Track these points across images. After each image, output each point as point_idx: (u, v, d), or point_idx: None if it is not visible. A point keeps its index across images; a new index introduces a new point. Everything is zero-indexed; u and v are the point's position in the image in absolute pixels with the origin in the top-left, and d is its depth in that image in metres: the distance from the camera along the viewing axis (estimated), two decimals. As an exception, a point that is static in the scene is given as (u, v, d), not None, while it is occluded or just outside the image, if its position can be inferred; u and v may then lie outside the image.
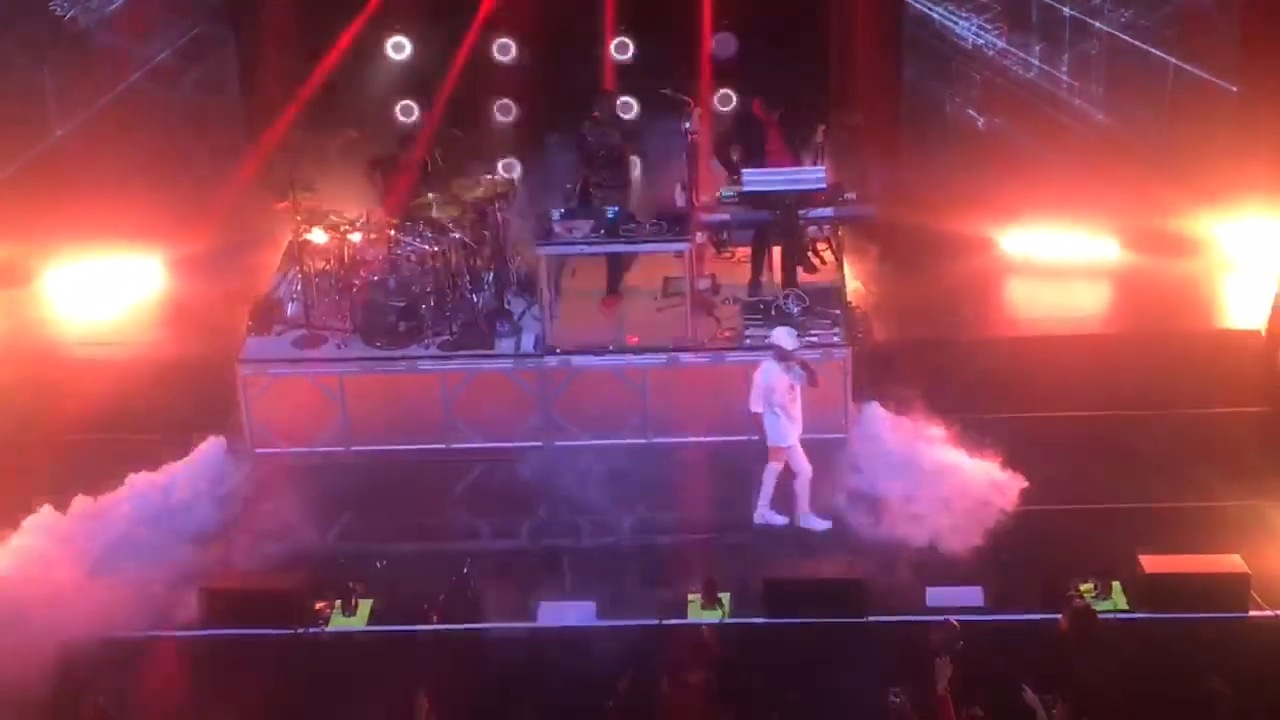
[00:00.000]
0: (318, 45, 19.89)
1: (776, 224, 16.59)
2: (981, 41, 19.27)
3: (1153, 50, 18.86)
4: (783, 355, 14.82)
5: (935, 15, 19.40)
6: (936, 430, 15.65)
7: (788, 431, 14.95)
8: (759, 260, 17.28)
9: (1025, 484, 15.03)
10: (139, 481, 15.54)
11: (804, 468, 15.10)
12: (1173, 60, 18.84)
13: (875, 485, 15.29)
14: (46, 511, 14.98)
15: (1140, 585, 13.97)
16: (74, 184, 19.22)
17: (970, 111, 19.60)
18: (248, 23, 19.91)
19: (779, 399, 14.84)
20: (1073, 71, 19.21)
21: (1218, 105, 18.81)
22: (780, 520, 15.22)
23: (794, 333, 15.07)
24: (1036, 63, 19.21)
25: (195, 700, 13.14)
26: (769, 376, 14.84)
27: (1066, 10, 18.97)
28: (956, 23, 19.34)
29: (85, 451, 16.14)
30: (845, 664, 13.36)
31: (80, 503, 15.11)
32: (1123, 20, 18.89)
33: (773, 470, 15.12)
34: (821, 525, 15.12)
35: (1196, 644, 13.37)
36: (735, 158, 17.00)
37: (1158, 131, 19.08)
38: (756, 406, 14.88)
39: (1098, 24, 18.93)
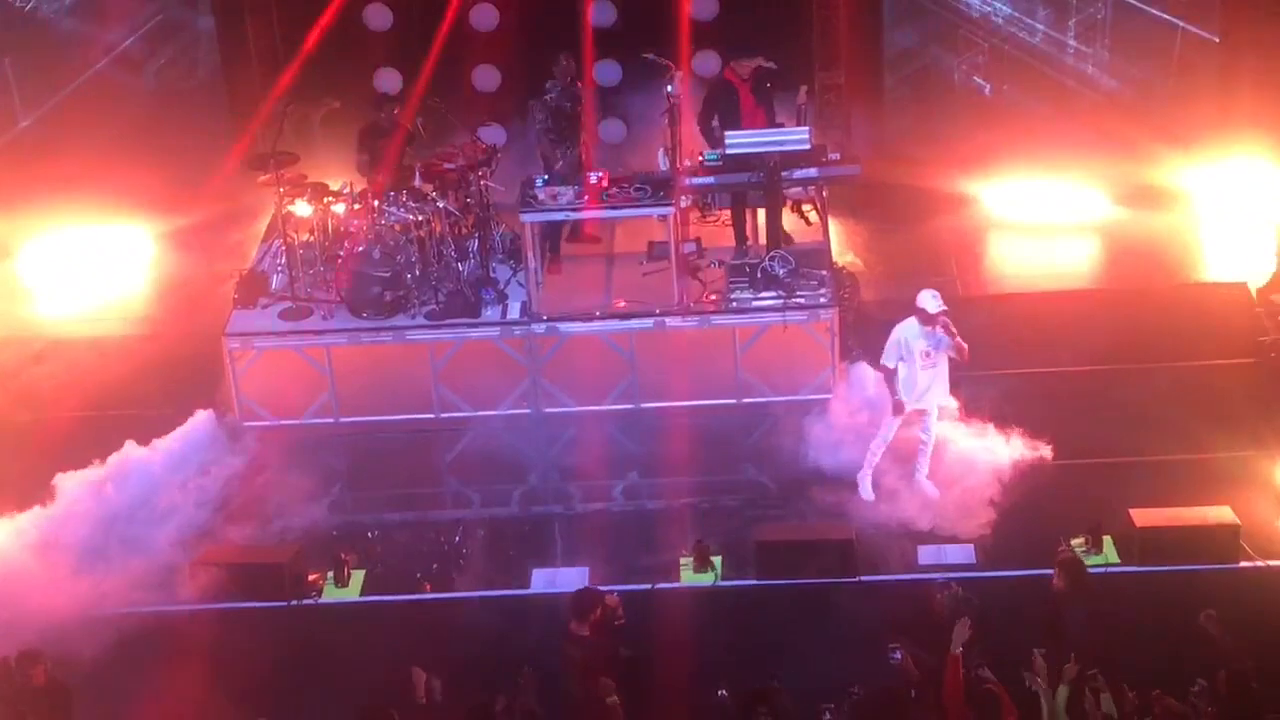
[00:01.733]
0: (298, 15, 19.84)
1: (760, 186, 16.57)
2: (989, 9, 19.18)
3: (1157, 12, 18.88)
4: (926, 319, 14.41)
5: None
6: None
7: (909, 389, 14.63)
8: (740, 223, 17.24)
9: (1017, 445, 15.06)
10: (127, 457, 15.49)
11: (932, 434, 14.86)
12: (1181, 23, 18.81)
13: (864, 447, 15.27)
14: (38, 491, 14.93)
15: (1131, 539, 14.00)
16: (55, 158, 19.16)
17: (977, 79, 19.51)
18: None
19: (910, 358, 14.54)
20: (1080, 37, 19.12)
21: (1213, 60, 18.82)
22: (870, 495, 14.91)
23: (936, 295, 14.47)
24: (1042, 28, 19.11)
25: (189, 672, 13.13)
26: (904, 332, 14.49)
27: None
28: None
29: (72, 428, 16.12)
30: (840, 623, 13.41)
31: (68, 480, 15.06)
32: None
33: (888, 429, 14.82)
34: (933, 492, 14.87)
35: (1188, 596, 13.41)
36: (715, 125, 16.90)
37: (1164, 93, 19.06)
38: (888, 360, 14.58)
39: None
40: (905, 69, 19.80)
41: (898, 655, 11.57)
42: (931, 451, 14.91)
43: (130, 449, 15.56)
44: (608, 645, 12.06)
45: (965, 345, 14.45)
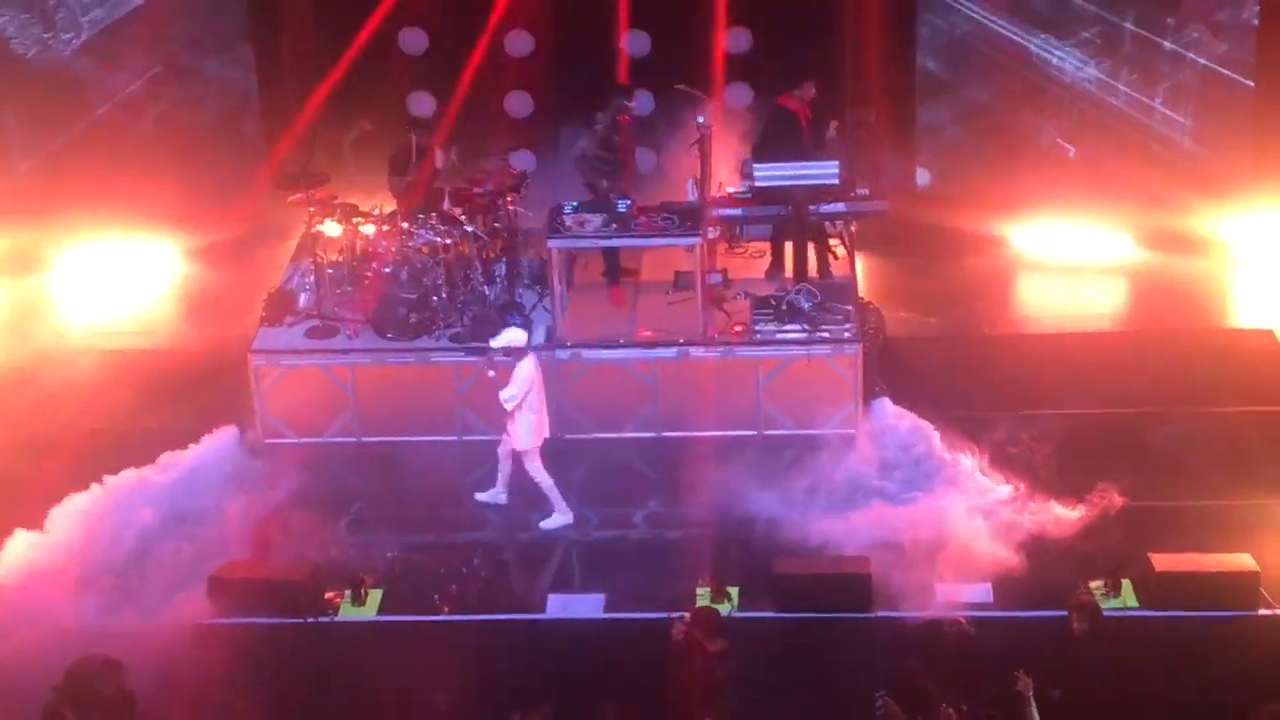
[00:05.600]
0: (334, 36, 19.97)
1: (788, 219, 16.62)
2: (1081, 74, 19.19)
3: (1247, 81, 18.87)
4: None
5: (1032, 45, 19.34)
6: (943, 430, 15.70)
7: (542, 429, 15.13)
8: (779, 253, 17.29)
9: (1027, 495, 15.00)
10: (151, 471, 15.57)
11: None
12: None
13: (884, 483, 15.30)
14: (60, 504, 14.97)
15: (1150, 583, 13.94)
16: (92, 170, 19.30)
17: (1060, 141, 19.52)
18: (265, 18, 19.95)
19: (535, 397, 14.99)
20: (1168, 102, 19.08)
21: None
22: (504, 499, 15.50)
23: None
24: (1126, 89, 19.07)
25: (206, 688, 13.13)
26: (529, 371, 14.92)
27: (1167, 43, 18.85)
28: (1052, 53, 19.26)
29: (98, 441, 16.16)
30: (853, 658, 13.36)
31: (92, 492, 15.12)
32: (1220, 52, 18.77)
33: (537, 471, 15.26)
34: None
35: (1206, 641, 13.37)
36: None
37: (1240, 154, 19.05)
38: (513, 402, 14.90)
39: (1192, 55, 18.78)
40: (978, 123, 19.79)
41: (882, 704, 11.54)
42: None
43: (153, 463, 15.64)
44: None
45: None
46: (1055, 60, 19.28)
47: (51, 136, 19.73)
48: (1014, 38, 19.33)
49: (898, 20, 19.54)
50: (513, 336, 14.97)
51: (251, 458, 16.14)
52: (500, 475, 15.52)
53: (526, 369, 14.94)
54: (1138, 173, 19.16)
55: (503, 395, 14.92)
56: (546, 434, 15.24)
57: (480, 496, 15.59)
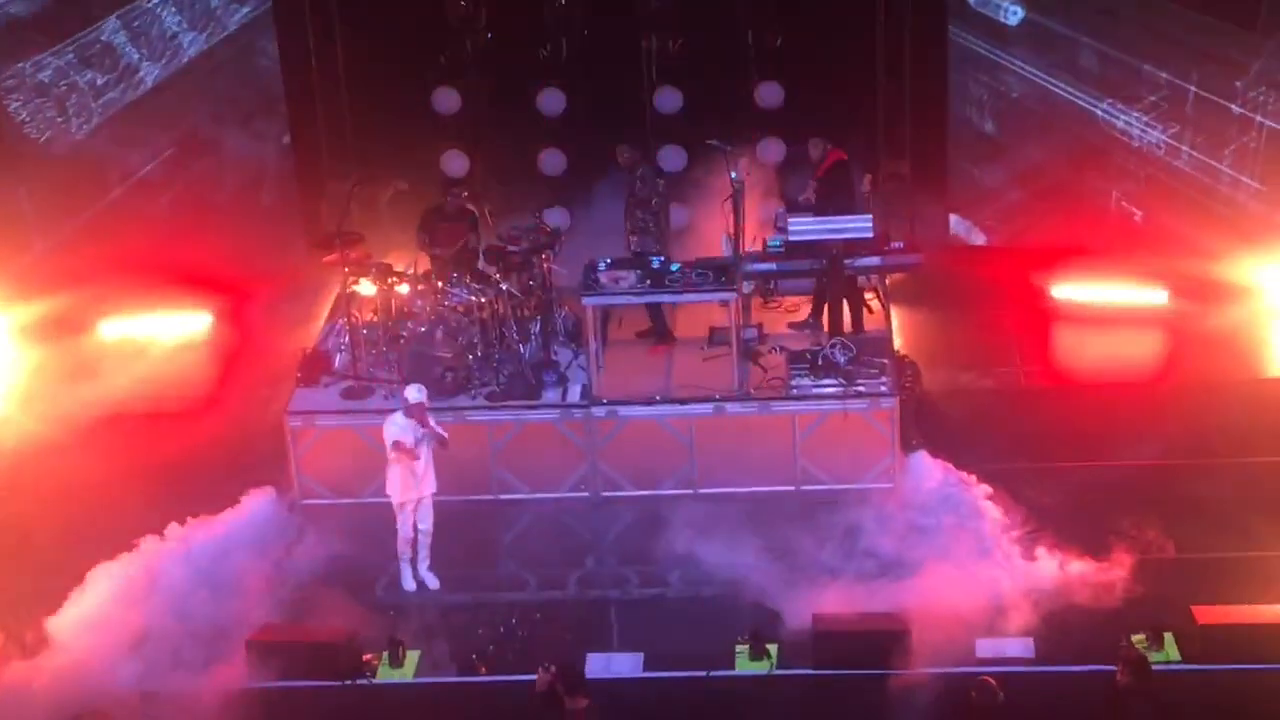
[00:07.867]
0: (366, 97, 20.10)
1: (823, 272, 16.61)
2: (1149, 139, 19.09)
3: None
4: (409, 411, 14.80)
5: (1099, 111, 19.29)
6: (982, 485, 15.67)
7: (408, 485, 15.01)
8: (819, 306, 17.26)
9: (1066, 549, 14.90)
10: (187, 533, 15.60)
11: (428, 524, 15.22)
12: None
13: (923, 537, 15.19)
14: (96, 570, 15.01)
15: (1192, 636, 13.81)
16: (127, 234, 19.39)
17: (1125, 204, 19.46)
18: (298, 78, 20.08)
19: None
20: (1234, 165, 18.85)
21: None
22: (411, 585, 15.34)
23: (421, 389, 14.92)
24: (1191, 152, 18.91)
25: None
26: (395, 430, 14.87)
27: (1235, 107, 18.55)
28: (1117, 117, 19.21)
29: (135, 503, 16.16)
30: (890, 714, 13.28)
31: (128, 556, 15.15)
32: None
33: (401, 523, 15.18)
34: (435, 583, 15.29)
35: (1249, 695, 13.22)
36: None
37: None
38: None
39: (1259, 118, 18.44)
40: (1036, 184, 19.75)
41: None
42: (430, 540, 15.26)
43: (190, 525, 15.67)
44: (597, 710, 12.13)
45: (444, 433, 14.86)
46: (1120, 124, 19.19)
47: (68, 217, 19.69)
48: (1074, 100, 19.27)
49: (930, 74, 19.56)
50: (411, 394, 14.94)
51: (288, 519, 16.13)
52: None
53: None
54: (1200, 233, 18.96)
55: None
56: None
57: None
